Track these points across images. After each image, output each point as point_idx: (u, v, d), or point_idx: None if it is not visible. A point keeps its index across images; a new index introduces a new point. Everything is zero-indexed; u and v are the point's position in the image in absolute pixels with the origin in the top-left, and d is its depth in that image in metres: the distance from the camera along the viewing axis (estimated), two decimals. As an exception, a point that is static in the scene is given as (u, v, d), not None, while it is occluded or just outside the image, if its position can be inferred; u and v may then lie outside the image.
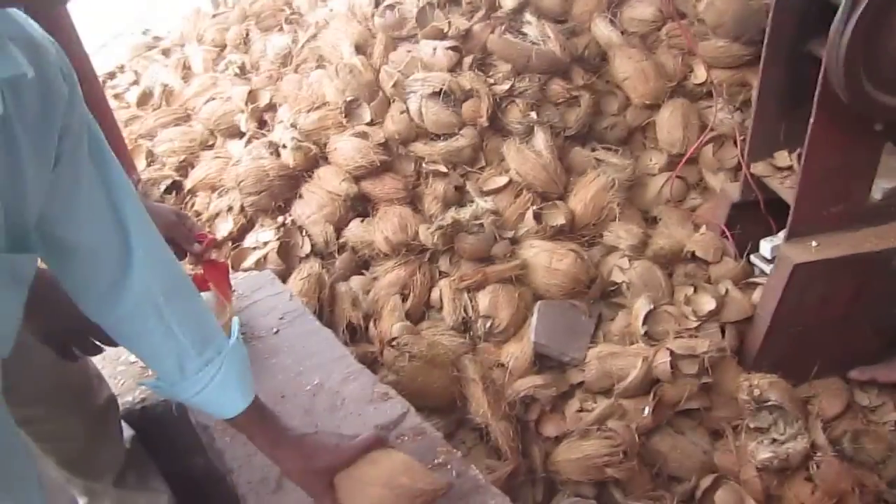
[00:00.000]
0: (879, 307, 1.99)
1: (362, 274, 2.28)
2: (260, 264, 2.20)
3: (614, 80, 2.49)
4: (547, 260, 2.11)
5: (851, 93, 1.55)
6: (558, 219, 2.20)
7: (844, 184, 1.84)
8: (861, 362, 2.06)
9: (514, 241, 2.20)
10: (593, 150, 2.40)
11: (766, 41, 1.84)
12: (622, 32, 2.54)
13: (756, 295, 2.03)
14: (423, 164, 2.32)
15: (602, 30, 2.52)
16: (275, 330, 1.75)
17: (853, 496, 1.73)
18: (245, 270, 2.18)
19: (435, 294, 2.18)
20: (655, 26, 2.53)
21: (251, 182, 2.32)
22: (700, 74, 2.42)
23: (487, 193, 2.27)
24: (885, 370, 2.05)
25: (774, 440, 1.83)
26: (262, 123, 2.62)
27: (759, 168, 2.03)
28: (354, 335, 2.14)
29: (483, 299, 2.10)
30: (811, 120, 1.72)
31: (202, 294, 1.64)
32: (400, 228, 2.20)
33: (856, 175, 1.84)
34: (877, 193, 1.89)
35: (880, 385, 2.06)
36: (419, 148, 2.33)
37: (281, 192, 2.34)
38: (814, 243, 1.89)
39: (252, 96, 2.65)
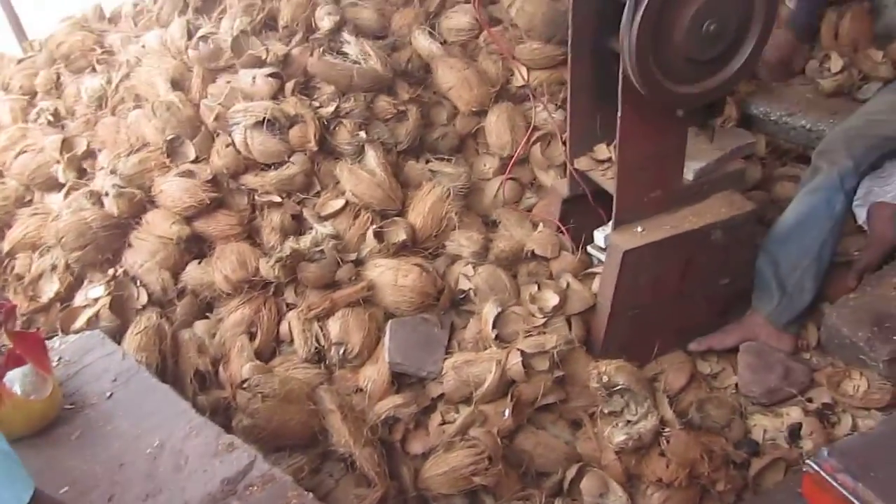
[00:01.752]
0: (707, 279, 2.11)
1: (206, 317, 2.19)
2: (92, 323, 2.07)
3: (440, 90, 2.52)
4: (393, 277, 2.10)
5: (646, 84, 1.63)
6: (399, 235, 2.19)
7: (658, 169, 1.94)
8: (698, 333, 2.18)
9: (359, 263, 2.18)
10: (427, 161, 2.41)
11: (569, 41, 1.91)
12: (442, 43, 2.57)
13: (595, 284, 2.10)
14: (256, 197, 2.26)
15: (422, 42, 2.55)
16: (108, 394, 1.65)
17: (703, 463, 1.81)
18: (76, 332, 2.04)
19: (284, 328, 2.13)
20: (473, 34, 2.58)
21: (73, 236, 2.18)
22: (520, 77, 2.48)
23: (325, 218, 2.23)
24: (721, 337, 2.18)
25: (628, 422, 1.90)
26: (81, 172, 2.47)
27: (582, 162, 2.10)
28: (204, 383, 2.06)
29: (333, 326, 2.07)
30: (619, 113, 1.80)
31: (20, 369, 1.53)
32: (239, 265, 2.14)
33: (668, 160, 1.94)
34: (689, 175, 2.00)
35: (718, 352, 2.18)
36: (250, 180, 2.27)
37: (108, 243, 2.21)
38: (639, 228, 1.98)
39: (67, 144, 2.48)
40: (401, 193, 2.29)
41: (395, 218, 2.25)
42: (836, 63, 2.46)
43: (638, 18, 1.54)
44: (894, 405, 1.94)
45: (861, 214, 2.28)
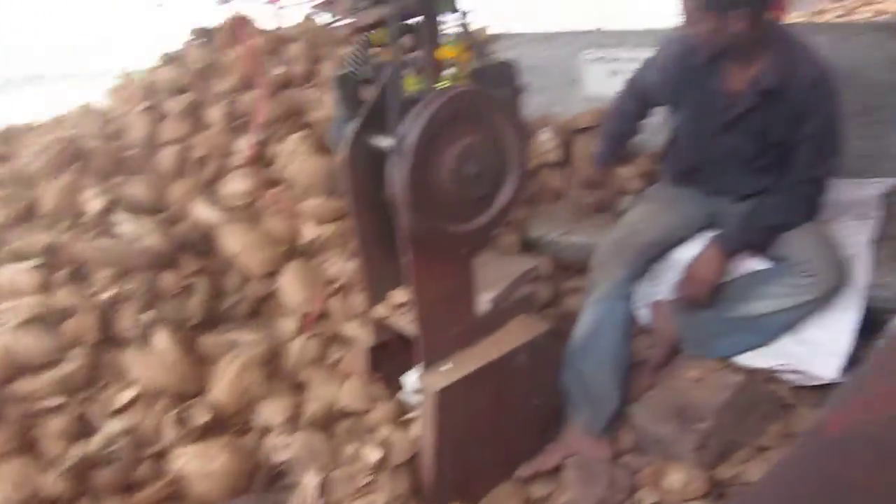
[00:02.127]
0: (520, 404, 2.14)
1: (-18, 555, 1.87)
2: None
3: (227, 257, 2.45)
4: (200, 465, 1.94)
5: (422, 229, 1.69)
6: (202, 416, 2.04)
7: (455, 306, 1.98)
8: (523, 459, 2.18)
9: (160, 456, 1.99)
10: (224, 332, 2.30)
11: (348, 196, 1.95)
12: (224, 209, 2.53)
13: (415, 430, 2.06)
14: (32, 404, 2.02)
15: (202, 211, 2.49)
16: None
17: None
18: None
19: (79, 549, 1.87)
20: (254, 197, 2.57)
21: None
22: (309, 233, 2.49)
23: (116, 413, 2.04)
24: (544, 458, 2.19)
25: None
26: None
27: (381, 310, 2.10)
28: None
29: (139, 533, 1.85)
30: (406, 258, 1.83)
31: None
32: (18, 486, 1.87)
33: (461, 295, 1.99)
34: (484, 306, 2.06)
35: (546, 473, 2.19)
36: (23, 386, 2.03)
37: None
38: (448, 366, 1.99)
39: None
40: (198, 372, 2.15)
41: (195, 399, 2.10)
42: (594, 183, 2.70)
43: (405, 168, 1.60)
44: (711, 493, 2.03)
45: (643, 316, 2.46)
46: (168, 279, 2.27)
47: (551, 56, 3.12)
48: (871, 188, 2.53)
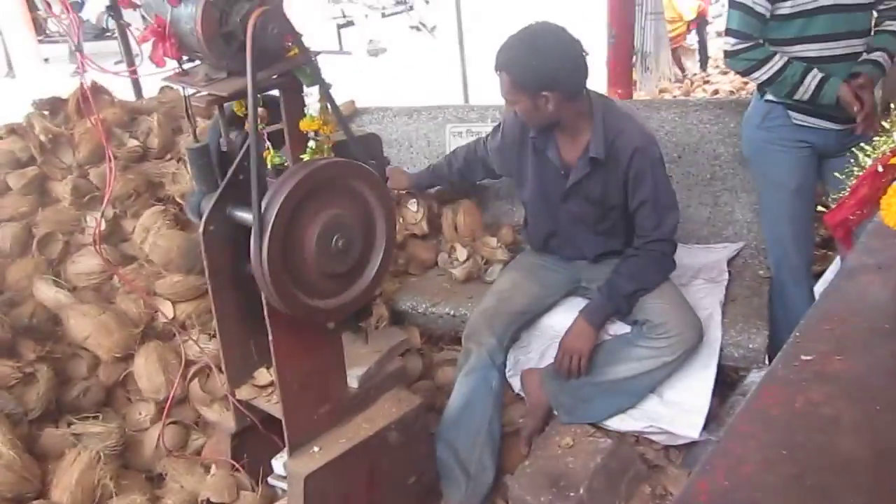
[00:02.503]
0: (394, 482, 2.07)
1: None
2: None
3: (75, 341, 2.26)
4: (38, 577, 1.73)
5: (287, 304, 1.62)
6: (42, 520, 1.84)
7: (322, 384, 1.91)
8: (400, 541, 2.10)
9: (-9, 570, 1.77)
10: (69, 424, 2.11)
11: (207, 272, 1.85)
12: (72, 290, 2.36)
13: (283, 519, 1.94)
14: None
15: (46, 293, 2.30)
16: None
17: None
18: None
19: None
20: (106, 276, 2.41)
21: None
22: (166, 312, 2.35)
23: (-62, 524, 1.80)
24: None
25: None
26: None
27: (244, 391, 1.99)
28: None
29: None
30: (270, 336, 1.76)
31: None
32: None
33: (329, 373, 1.92)
34: (353, 383, 1.99)
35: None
36: None
37: None
38: (316, 448, 1.90)
39: None
40: (37, 471, 1.94)
41: (35, 502, 1.89)
42: (461, 253, 2.74)
43: (265, 244, 1.54)
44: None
45: (516, 384, 2.47)
46: (5, 368, 2.06)
47: (416, 129, 3.17)
48: (719, 252, 2.69)
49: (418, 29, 10.73)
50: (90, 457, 1.97)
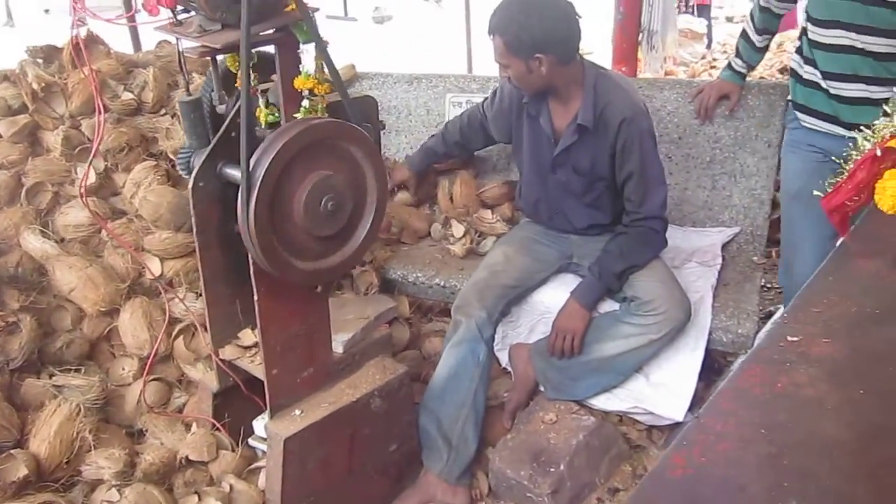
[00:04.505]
0: (375, 450, 2.06)
1: None
2: None
3: (60, 293, 2.24)
4: (14, 526, 1.72)
5: (274, 265, 1.60)
6: (19, 470, 1.82)
7: (307, 347, 1.89)
8: (378, 507, 2.10)
9: (-34, 517, 1.76)
10: (51, 375, 2.09)
11: (194, 229, 1.83)
12: (59, 241, 2.33)
13: (262, 480, 1.94)
14: None
15: (33, 243, 2.27)
16: None
17: None
18: None
19: None
20: (95, 229, 2.38)
21: None
22: (154, 268, 2.32)
23: (-87, 469, 1.79)
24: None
25: None
26: None
27: (227, 351, 1.98)
28: None
29: None
30: (255, 296, 1.74)
31: None
32: None
33: (314, 336, 1.91)
34: (338, 348, 1.98)
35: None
36: None
37: None
38: (298, 411, 1.89)
39: None
40: (17, 420, 1.93)
41: (12, 451, 1.87)
42: (458, 230, 2.71)
43: (252, 203, 1.52)
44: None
45: (503, 358, 2.46)
46: (-13, 317, 2.05)
47: (416, 97, 3.13)
48: (714, 236, 2.67)
49: (425, -2, 10.62)
50: (70, 409, 1.95)
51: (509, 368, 2.46)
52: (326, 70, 1.67)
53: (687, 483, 0.69)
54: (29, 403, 2.03)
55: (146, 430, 2.11)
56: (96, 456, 1.93)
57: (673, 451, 0.72)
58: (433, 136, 2.81)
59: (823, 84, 2.18)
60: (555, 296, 2.34)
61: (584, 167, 2.23)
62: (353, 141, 1.67)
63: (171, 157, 2.49)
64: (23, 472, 1.83)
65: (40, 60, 2.63)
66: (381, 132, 2.03)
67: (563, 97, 2.18)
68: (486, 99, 2.58)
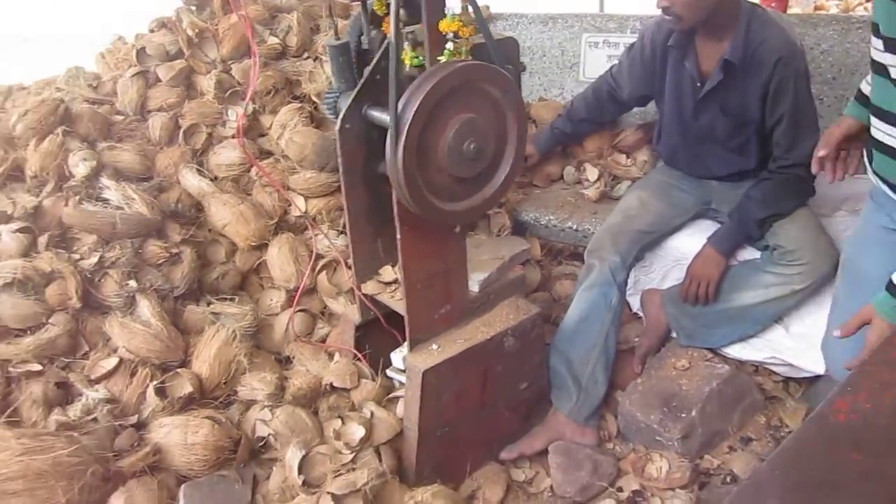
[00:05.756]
0: (506, 387, 2.12)
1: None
2: None
3: (215, 228, 2.41)
4: (181, 436, 1.90)
5: (418, 205, 1.65)
6: (185, 388, 2.01)
7: (445, 285, 1.95)
8: (507, 442, 2.17)
9: (140, 426, 1.96)
10: (208, 304, 2.27)
11: (341, 169, 1.91)
12: (213, 179, 2.49)
13: (399, 409, 2.04)
14: (11, 368, 1.98)
15: (191, 180, 2.45)
16: None
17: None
18: None
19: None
20: (244, 168, 2.52)
21: None
22: (298, 207, 2.45)
23: (97, 381, 2.00)
24: (528, 441, 2.18)
25: (452, 549, 1.82)
26: None
27: (369, 287, 2.07)
28: None
29: (117, 503, 1.82)
30: (398, 235, 1.81)
31: None
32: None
33: (452, 275, 1.96)
34: (474, 287, 2.03)
35: (529, 457, 2.18)
36: (2, 350, 1.99)
37: None
38: (435, 346, 1.97)
39: None
40: (182, 342, 2.12)
41: (178, 370, 2.06)
42: (592, 173, 2.69)
43: (401, 144, 1.57)
44: (695, 482, 2.03)
45: (634, 303, 2.45)
46: (154, 247, 2.23)
47: (551, 38, 3.08)
48: (866, 183, 2.51)
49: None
50: (227, 334, 2.12)
51: (640, 313, 2.45)
52: (471, 11, 1.68)
53: (851, 428, 0.69)
54: (191, 328, 2.21)
55: (293, 358, 2.26)
56: (250, 378, 2.09)
57: (837, 395, 0.72)
58: (559, 115, 2.74)
59: None
60: (690, 242, 2.30)
61: (732, 108, 2.14)
62: (497, 84, 1.69)
63: (315, 99, 2.59)
64: (188, 389, 2.01)
65: (193, 7, 2.77)
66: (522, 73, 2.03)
67: (716, 33, 2.09)
68: (612, 66, 2.52)
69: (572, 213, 2.61)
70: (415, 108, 1.57)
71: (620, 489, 2.07)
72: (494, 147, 1.75)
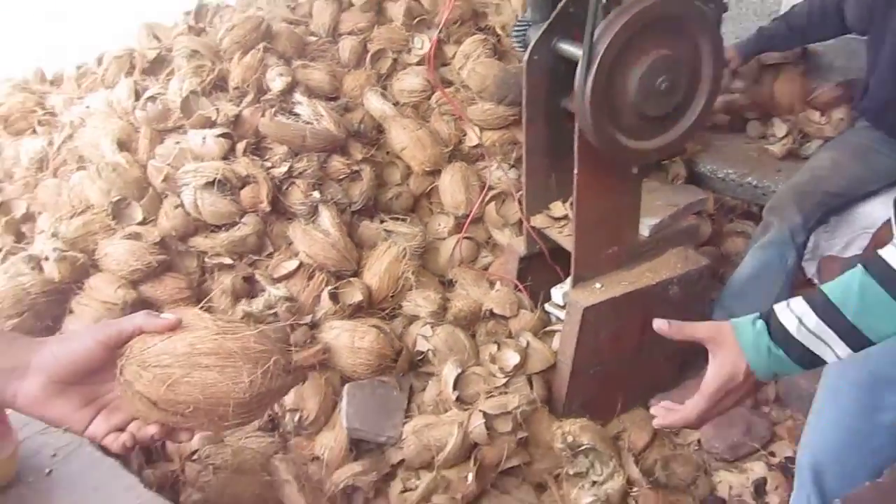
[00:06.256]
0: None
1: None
2: (28, 395, 1.94)
3: (393, 150, 2.51)
4: (349, 340, 2.04)
5: (602, 142, 1.65)
6: (355, 296, 2.14)
7: (615, 226, 1.95)
8: (658, 390, 2.16)
9: (313, 326, 2.12)
10: (382, 221, 2.38)
11: (524, 101, 1.92)
12: (395, 104, 2.58)
13: (555, 342, 2.08)
14: (206, 259, 2.18)
15: (374, 103, 2.55)
16: (47, 470, 1.52)
17: (672, 523, 1.78)
18: (11, 405, 1.91)
19: (235, 395, 2.03)
20: (425, 96, 2.59)
21: (10, 303, 2.05)
22: (473, 137, 2.50)
23: (278, 280, 2.17)
24: (680, 393, 2.16)
25: (594, 482, 1.86)
26: (19, 237, 2.37)
27: (538, 220, 2.10)
28: (150, 456, 1.94)
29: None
30: (575, 171, 1.81)
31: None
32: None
33: (624, 216, 1.95)
34: (644, 231, 2.01)
35: (679, 408, 2.16)
36: (200, 242, 2.19)
37: (47, 309, 2.10)
38: (598, 285, 1.98)
39: (4, 208, 2.39)
40: (356, 254, 2.25)
41: (351, 279, 2.20)
42: (780, 129, 2.55)
43: (591, 77, 1.56)
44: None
45: (810, 268, 2.33)
46: (337, 163, 2.36)
47: (749, -16, 2.92)
48: None
49: None
50: (398, 251, 2.22)
51: (815, 281, 2.33)
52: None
53: None
54: (364, 242, 2.33)
55: (455, 282, 2.33)
56: (415, 295, 2.19)
57: None
58: (774, 19, 2.59)
59: None
60: (883, 211, 2.15)
61: None
62: (696, 21, 1.63)
63: (500, 31, 2.60)
64: (358, 297, 2.14)
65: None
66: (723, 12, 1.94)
67: None
68: None
69: (754, 168, 2.50)
70: (608, 41, 1.55)
71: (773, 454, 2.02)
72: (686, 88, 1.70)
